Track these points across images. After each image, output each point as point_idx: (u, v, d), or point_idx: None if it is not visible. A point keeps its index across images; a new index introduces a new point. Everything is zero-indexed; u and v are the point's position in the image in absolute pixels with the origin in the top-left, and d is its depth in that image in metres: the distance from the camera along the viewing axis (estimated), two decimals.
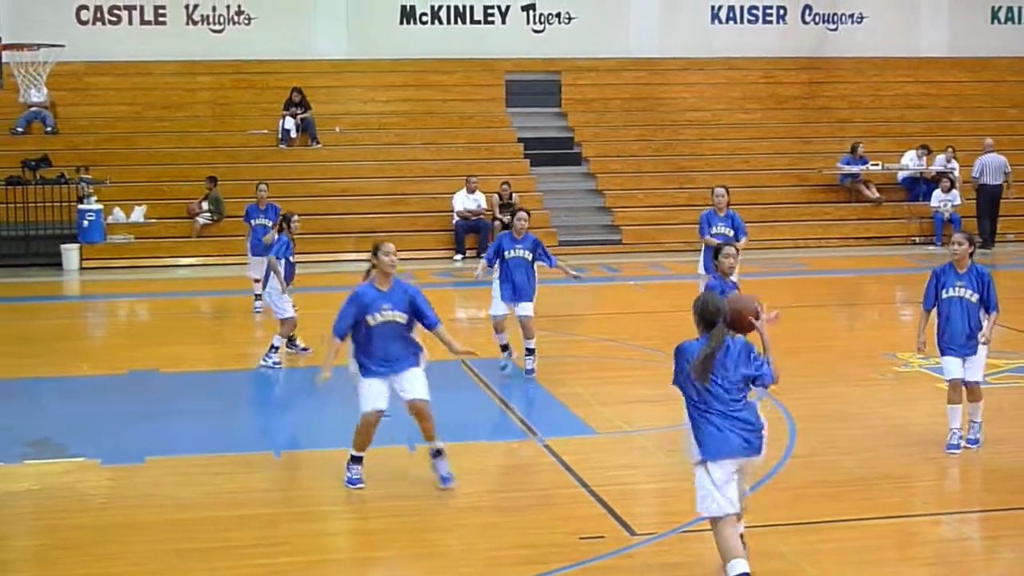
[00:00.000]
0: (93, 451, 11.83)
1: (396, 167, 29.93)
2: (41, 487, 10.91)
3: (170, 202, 27.82)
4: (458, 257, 27.22)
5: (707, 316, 8.59)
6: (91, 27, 31.39)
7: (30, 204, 26.54)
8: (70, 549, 9.37)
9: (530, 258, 14.99)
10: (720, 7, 34.24)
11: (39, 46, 22.38)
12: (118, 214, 27.24)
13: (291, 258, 16.32)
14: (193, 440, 12.86)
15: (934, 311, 11.76)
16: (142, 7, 31.67)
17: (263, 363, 15.71)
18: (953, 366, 11.62)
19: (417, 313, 10.77)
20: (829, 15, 34.70)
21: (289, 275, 16.21)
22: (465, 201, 27.66)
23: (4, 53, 19.62)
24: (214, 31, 32.05)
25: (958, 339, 11.56)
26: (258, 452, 11.98)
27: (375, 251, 10.69)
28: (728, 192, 17.18)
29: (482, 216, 27.55)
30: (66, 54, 23.62)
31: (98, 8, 31.48)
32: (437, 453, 10.62)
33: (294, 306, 16.05)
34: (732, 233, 16.71)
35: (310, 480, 11.00)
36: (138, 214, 27.42)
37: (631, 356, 16.21)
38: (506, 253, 14.97)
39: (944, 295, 11.64)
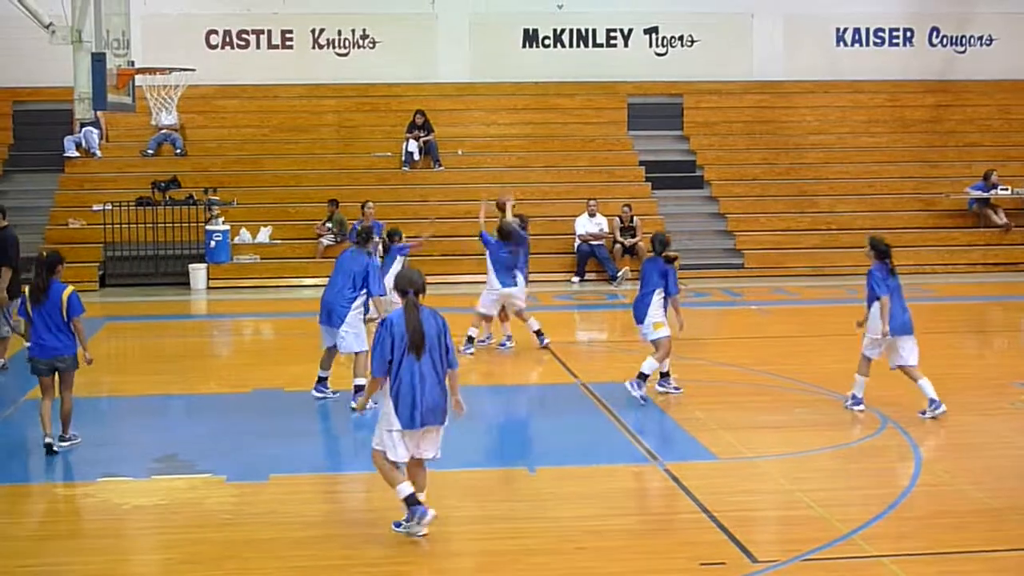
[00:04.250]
0: (219, 468, 12.02)
1: (518, 189, 29.92)
2: (168, 502, 11.10)
3: (295, 223, 28.21)
4: (575, 280, 27.20)
5: (401, 285, 9.91)
6: (220, 51, 31.99)
7: (160, 224, 27.06)
8: (195, 564, 9.51)
9: None
10: (845, 29, 33.90)
11: (171, 70, 22.80)
12: (244, 235, 27.68)
13: None
14: (317, 459, 13.02)
15: None
16: (270, 32, 32.21)
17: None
18: None
19: None
20: (957, 37, 34.16)
21: None
22: (587, 224, 27.65)
23: (137, 77, 20.02)
24: (339, 55, 32.47)
25: None
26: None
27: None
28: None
29: (603, 240, 27.52)
30: (196, 78, 24.06)
31: (227, 33, 32.08)
32: None
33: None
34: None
35: (432, 500, 11.04)
36: (264, 235, 27.83)
37: (753, 381, 16.07)
38: None
39: None
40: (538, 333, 18.26)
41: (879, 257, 14.22)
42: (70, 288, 12.93)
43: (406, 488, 9.86)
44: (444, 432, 10.04)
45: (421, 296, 9.85)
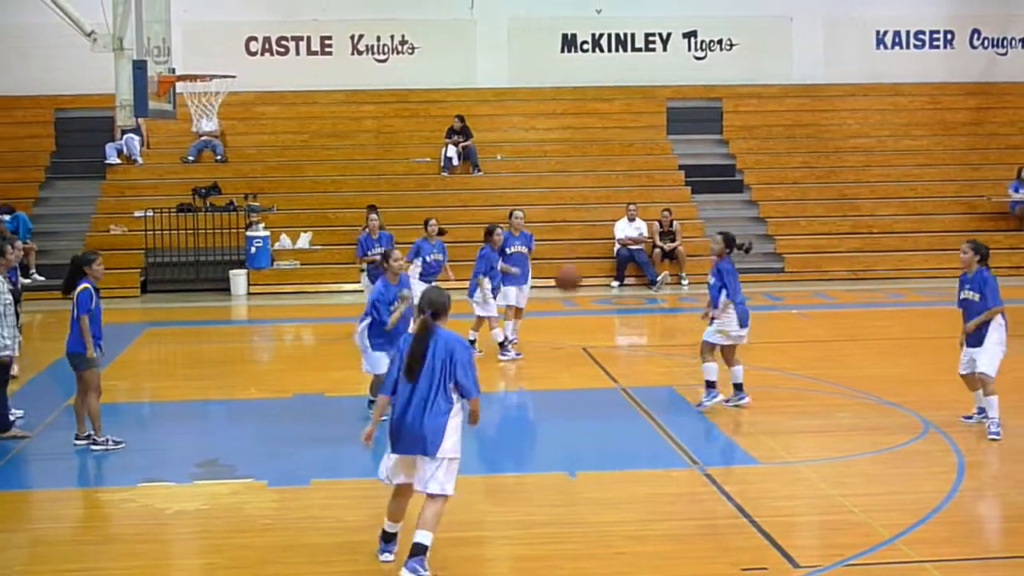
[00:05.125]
0: (260, 473, 12.05)
1: (557, 194, 30.03)
2: (210, 507, 11.14)
3: (335, 229, 28.26)
4: (615, 284, 27.19)
5: (420, 304, 9.38)
6: (260, 58, 32.12)
7: (200, 231, 27.21)
8: (237, 568, 9.53)
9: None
10: (885, 32, 33.72)
11: (211, 77, 22.90)
12: (284, 240, 27.79)
13: None
14: (358, 464, 13.01)
15: None
16: (309, 38, 32.33)
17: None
18: None
19: None
20: (999, 39, 33.93)
21: None
22: (627, 229, 27.62)
23: (178, 84, 20.11)
24: (378, 61, 32.55)
25: None
26: None
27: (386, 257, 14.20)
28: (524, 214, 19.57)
29: (643, 244, 27.47)
30: (236, 84, 24.13)
31: (267, 40, 32.21)
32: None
33: None
34: (526, 251, 18.97)
35: (470, 505, 11.04)
36: (304, 240, 27.93)
37: (794, 385, 16.01)
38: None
39: None
40: (472, 342, 18.16)
41: (984, 261, 13.61)
42: (83, 286, 13.01)
43: (388, 525, 9.54)
44: (446, 465, 9.15)
45: (440, 319, 9.26)
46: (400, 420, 9.19)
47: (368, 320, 13.90)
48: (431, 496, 9.17)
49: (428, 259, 18.98)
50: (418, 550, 9.06)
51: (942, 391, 15.13)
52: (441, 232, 19.30)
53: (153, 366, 19.35)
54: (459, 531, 10.40)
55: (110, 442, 13.07)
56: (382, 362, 13.38)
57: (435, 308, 9.24)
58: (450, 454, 9.15)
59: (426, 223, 19.39)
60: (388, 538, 9.57)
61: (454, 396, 9.20)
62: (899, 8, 33.65)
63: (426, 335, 9.17)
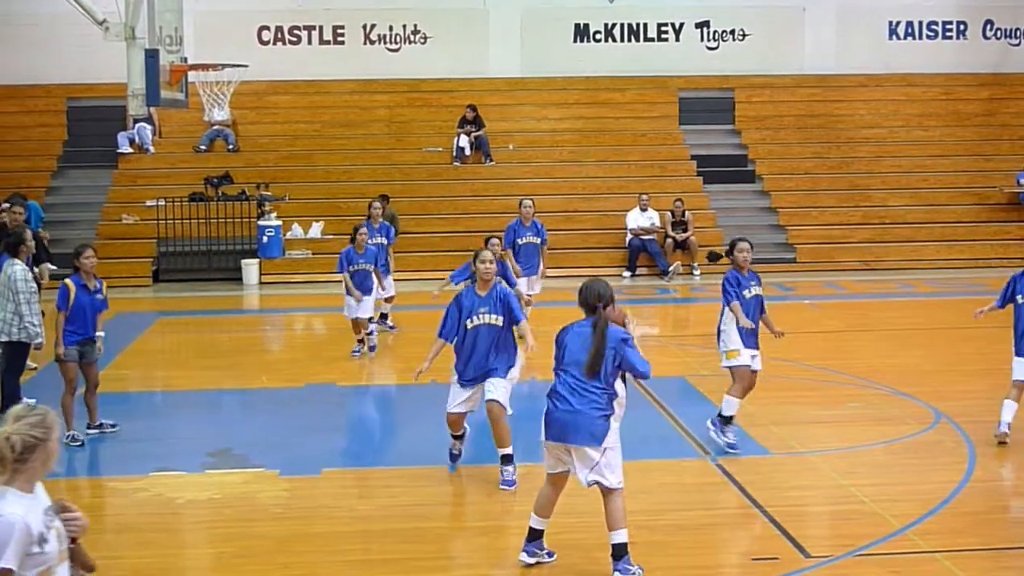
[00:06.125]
0: (272, 462, 12.08)
1: (569, 184, 30.01)
2: (222, 496, 11.17)
3: (346, 218, 28.14)
4: (626, 274, 27.19)
5: (589, 301, 9.07)
6: (272, 47, 32.13)
7: (212, 220, 27.23)
8: (248, 557, 9.57)
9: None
10: (898, 23, 33.62)
11: (223, 66, 22.91)
12: (296, 230, 27.81)
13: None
14: (369, 453, 13.06)
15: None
16: (321, 27, 32.33)
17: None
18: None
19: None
20: (1012, 30, 33.82)
21: None
22: (639, 219, 27.61)
23: (190, 73, 20.13)
24: (390, 50, 32.54)
25: None
26: (434, 466, 12.07)
27: (474, 259, 11.45)
28: (534, 203, 19.68)
29: (655, 235, 27.47)
30: (248, 73, 24.14)
31: (279, 29, 32.21)
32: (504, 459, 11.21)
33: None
34: (539, 241, 19.12)
35: (484, 494, 11.07)
36: (316, 230, 27.94)
37: (805, 376, 16.00)
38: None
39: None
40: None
41: None
42: (65, 281, 13.01)
43: (534, 521, 9.21)
44: (608, 455, 8.89)
45: (608, 308, 9.06)
46: (550, 407, 9.01)
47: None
48: (607, 491, 8.98)
49: (352, 269, 18.01)
50: (619, 551, 8.92)
51: (953, 381, 15.14)
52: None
53: (165, 355, 19.40)
54: (471, 521, 10.45)
55: (69, 438, 12.79)
56: (460, 397, 11.45)
57: (604, 301, 9.07)
58: (610, 444, 8.93)
59: (360, 228, 18.25)
60: (532, 536, 9.18)
61: (615, 384, 9.03)
62: None
63: (604, 329, 8.98)
